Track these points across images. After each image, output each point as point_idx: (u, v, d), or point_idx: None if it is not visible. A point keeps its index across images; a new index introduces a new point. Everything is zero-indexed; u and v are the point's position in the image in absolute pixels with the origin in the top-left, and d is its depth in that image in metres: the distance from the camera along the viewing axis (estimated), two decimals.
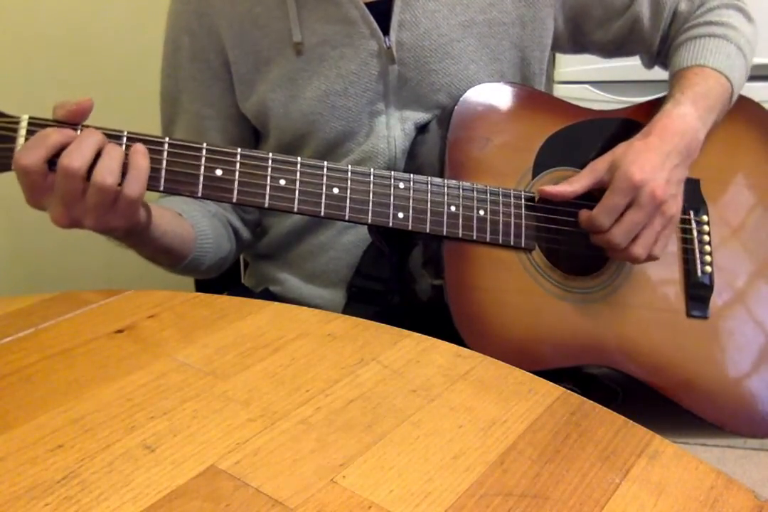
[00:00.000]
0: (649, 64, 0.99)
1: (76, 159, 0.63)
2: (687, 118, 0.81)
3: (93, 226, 0.67)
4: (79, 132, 0.66)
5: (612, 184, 0.76)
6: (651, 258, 0.79)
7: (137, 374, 0.58)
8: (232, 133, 0.92)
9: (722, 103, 0.86)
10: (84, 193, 0.64)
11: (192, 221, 0.84)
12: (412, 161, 0.85)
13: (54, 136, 0.64)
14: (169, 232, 0.78)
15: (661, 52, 0.96)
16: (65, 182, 0.63)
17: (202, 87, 0.89)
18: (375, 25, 0.83)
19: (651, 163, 0.77)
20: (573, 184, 0.79)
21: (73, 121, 0.66)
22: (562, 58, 1.52)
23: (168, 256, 0.82)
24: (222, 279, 0.97)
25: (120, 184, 0.65)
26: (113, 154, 0.65)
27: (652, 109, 0.88)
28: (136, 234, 0.73)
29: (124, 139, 0.67)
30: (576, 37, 0.94)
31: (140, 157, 0.67)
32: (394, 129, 0.86)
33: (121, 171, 0.65)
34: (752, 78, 0.92)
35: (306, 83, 0.85)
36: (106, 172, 0.64)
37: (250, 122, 0.92)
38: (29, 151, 0.63)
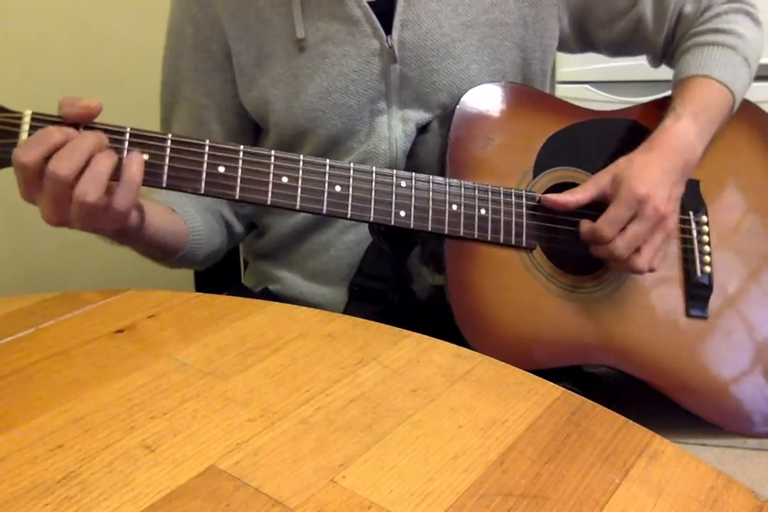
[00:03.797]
0: (654, 63, 0.99)
1: (64, 167, 0.62)
2: (687, 134, 0.82)
3: (81, 228, 0.66)
4: (81, 129, 0.65)
5: (617, 196, 0.77)
6: (650, 270, 0.80)
7: (137, 374, 0.58)
8: (232, 124, 0.92)
9: (723, 116, 0.86)
10: (71, 199, 0.63)
11: (185, 216, 0.85)
12: (411, 161, 0.85)
13: (56, 135, 0.63)
14: (161, 228, 0.78)
15: (666, 54, 0.96)
16: (52, 187, 0.63)
17: (204, 77, 0.89)
18: (377, 24, 0.83)
19: (653, 178, 0.78)
20: (576, 194, 0.79)
21: (78, 122, 0.65)
22: (562, 58, 1.52)
23: (161, 251, 0.82)
24: (222, 279, 0.97)
25: (115, 182, 0.65)
26: (101, 165, 0.63)
27: (653, 110, 0.88)
28: (126, 235, 0.73)
29: (127, 135, 0.67)
30: (581, 37, 0.95)
31: (134, 167, 0.65)
32: (396, 130, 0.86)
33: (106, 184, 0.64)
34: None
35: (308, 80, 0.85)
36: (89, 188, 0.62)
37: (249, 116, 0.92)
38: (29, 149, 0.63)
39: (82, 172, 0.63)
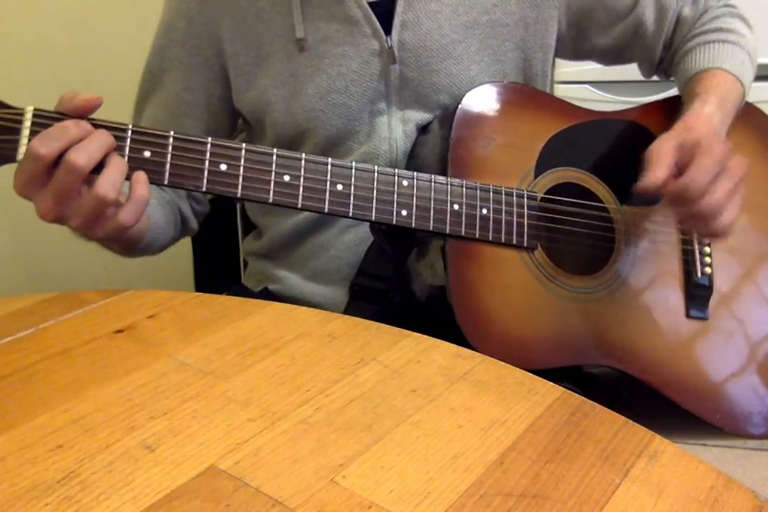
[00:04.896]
0: (648, 72, 0.99)
1: (82, 156, 0.63)
2: (713, 118, 0.81)
3: (77, 227, 0.66)
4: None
5: (700, 153, 0.73)
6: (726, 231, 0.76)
7: (137, 374, 0.58)
8: (206, 122, 0.91)
9: (736, 108, 0.86)
10: (79, 193, 0.64)
11: (148, 211, 0.84)
12: (412, 161, 0.85)
13: (73, 129, 0.63)
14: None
15: (663, 60, 0.96)
16: (65, 177, 0.63)
17: (188, 72, 0.89)
18: (377, 24, 0.83)
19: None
20: (657, 169, 0.73)
21: (80, 115, 0.65)
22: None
23: (120, 247, 0.81)
24: (222, 279, 0.97)
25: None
26: (119, 167, 0.65)
27: (654, 111, 0.88)
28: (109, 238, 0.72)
29: (129, 132, 0.67)
30: (578, 42, 0.94)
31: (142, 186, 0.67)
32: (396, 130, 0.86)
33: (122, 186, 0.65)
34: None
35: (307, 80, 0.85)
36: (110, 186, 0.64)
37: (227, 116, 0.92)
38: (47, 141, 0.63)
39: (95, 169, 0.64)
